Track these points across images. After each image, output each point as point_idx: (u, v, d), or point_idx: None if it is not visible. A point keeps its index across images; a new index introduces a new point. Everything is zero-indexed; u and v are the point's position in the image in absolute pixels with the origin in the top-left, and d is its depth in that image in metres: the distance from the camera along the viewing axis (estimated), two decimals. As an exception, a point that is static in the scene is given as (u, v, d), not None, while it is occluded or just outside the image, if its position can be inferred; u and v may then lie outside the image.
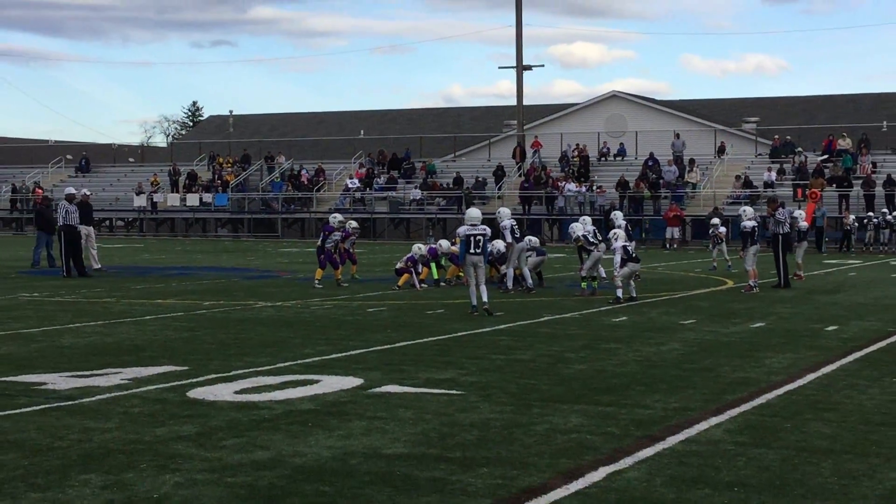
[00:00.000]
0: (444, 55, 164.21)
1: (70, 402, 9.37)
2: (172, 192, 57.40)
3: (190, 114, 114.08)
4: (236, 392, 9.89)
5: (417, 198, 51.40)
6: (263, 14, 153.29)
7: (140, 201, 56.80)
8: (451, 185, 53.16)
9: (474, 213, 17.22)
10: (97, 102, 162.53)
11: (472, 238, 16.54)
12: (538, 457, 7.45)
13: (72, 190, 27.11)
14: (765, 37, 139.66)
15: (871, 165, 47.86)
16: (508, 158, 55.49)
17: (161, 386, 10.21)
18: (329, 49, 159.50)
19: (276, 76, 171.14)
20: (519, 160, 54.38)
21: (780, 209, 22.84)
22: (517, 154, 54.72)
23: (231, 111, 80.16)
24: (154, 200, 56.71)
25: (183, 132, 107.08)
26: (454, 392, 9.93)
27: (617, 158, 54.66)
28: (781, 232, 22.07)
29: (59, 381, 10.43)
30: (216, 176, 58.05)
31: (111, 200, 58.81)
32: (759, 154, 53.80)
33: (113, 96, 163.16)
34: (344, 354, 12.39)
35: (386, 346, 13.11)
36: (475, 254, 16.54)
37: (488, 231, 17.00)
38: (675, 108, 64.75)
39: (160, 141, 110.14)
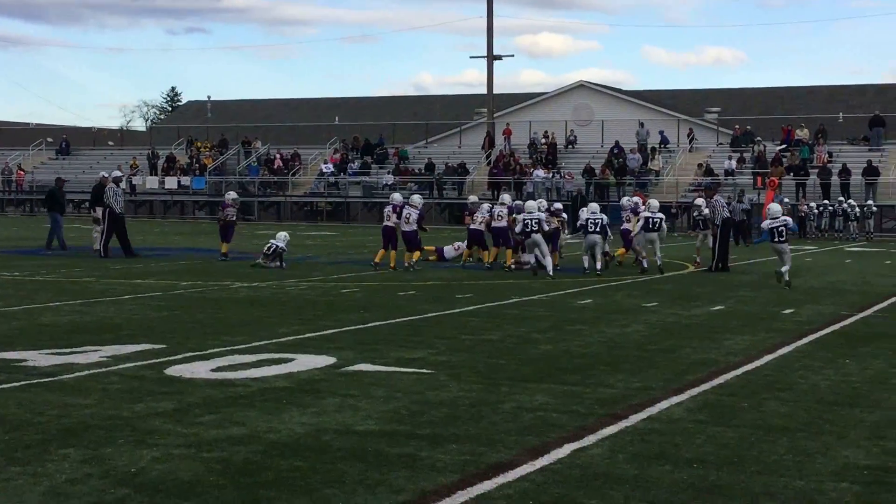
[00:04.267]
0: (413, 44, 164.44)
1: (50, 379, 9.49)
2: (151, 175, 57.40)
3: (169, 99, 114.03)
4: (212, 370, 10.05)
5: (390, 183, 51.53)
6: (235, 2, 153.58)
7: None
8: (422, 171, 53.45)
9: (532, 204, 21.45)
10: (77, 86, 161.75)
11: (528, 222, 20.51)
12: (505, 434, 7.62)
13: (118, 173, 27.02)
14: (723, 30, 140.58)
15: (827, 155, 48.50)
16: (478, 146, 55.93)
17: (139, 363, 10.34)
18: (300, 37, 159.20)
19: (250, 63, 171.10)
20: (488, 149, 54.70)
21: (717, 196, 23.31)
22: (486, 144, 55.11)
23: (209, 97, 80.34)
24: (133, 183, 56.54)
25: (162, 117, 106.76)
26: (424, 371, 10.13)
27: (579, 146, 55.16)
28: (718, 220, 22.27)
29: (38, 359, 10.53)
30: (194, 160, 57.99)
31: (91, 183, 58.60)
32: (721, 143, 54.32)
33: (93, 81, 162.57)
34: (318, 334, 12.56)
35: (359, 326, 13.29)
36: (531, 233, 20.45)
37: (541, 216, 20.72)
38: (640, 97, 65.19)
39: (139, 125, 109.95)
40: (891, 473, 6.73)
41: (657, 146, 52.00)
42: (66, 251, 26.34)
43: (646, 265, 21.92)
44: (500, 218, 22.32)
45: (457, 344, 11.94)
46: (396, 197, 23.27)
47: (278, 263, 22.04)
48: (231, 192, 26.24)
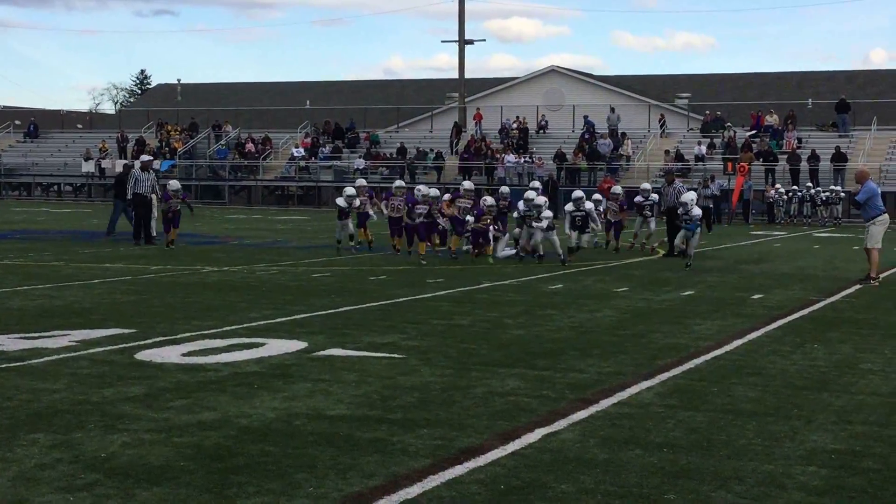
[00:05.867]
0: (384, 28, 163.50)
1: (19, 364, 9.44)
2: (120, 158, 56.96)
3: (138, 82, 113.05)
4: (183, 354, 10.02)
5: (361, 167, 51.41)
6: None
7: (88, 167, 56.54)
8: (394, 156, 53.33)
9: (578, 193, 22.01)
10: (46, 69, 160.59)
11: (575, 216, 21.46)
12: (476, 418, 7.64)
13: (147, 157, 26.57)
14: (693, 15, 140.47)
15: (796, 141, 48.80)
16: (449, 131, 55.90)
17: (109, 348, 10.30)
18: (270, 20, 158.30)
19: (220, 46, 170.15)
20: (456, 137, 54.58)
21: (677, 182, 23.60)
22: (453, 133, 54.94)
23: (179, 80, 79.81)
24: (102, 166, 56.22)
25: (131, 100, 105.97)
26: (396, 356, 10.14)
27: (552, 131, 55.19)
28: (676, 204, 22.36)
29: (7, 343, 10.48)
30: (164, 143, 57.62)
31: (59, 166, 58.44)
32: (691, 129, 54.57)
33: (62, 63, 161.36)
34: (289, 318, 12.55)
35: (330, 311, 13.28)
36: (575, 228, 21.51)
37: (589, 206, 21.69)
38: (611, 83, 65.32)
39: (108, 108, 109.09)
40: (857, 457, 6.79)
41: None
42: (109, 236, 26.00)
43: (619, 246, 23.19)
44: (461, 209, 21.97)
45: (428, 329, 11.96)
46: (398, 183, 23.12)
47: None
48: (173, 182, 24.96)
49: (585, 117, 52.90)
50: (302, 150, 54.74)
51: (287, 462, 6.50)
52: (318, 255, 21.96)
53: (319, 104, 67.90)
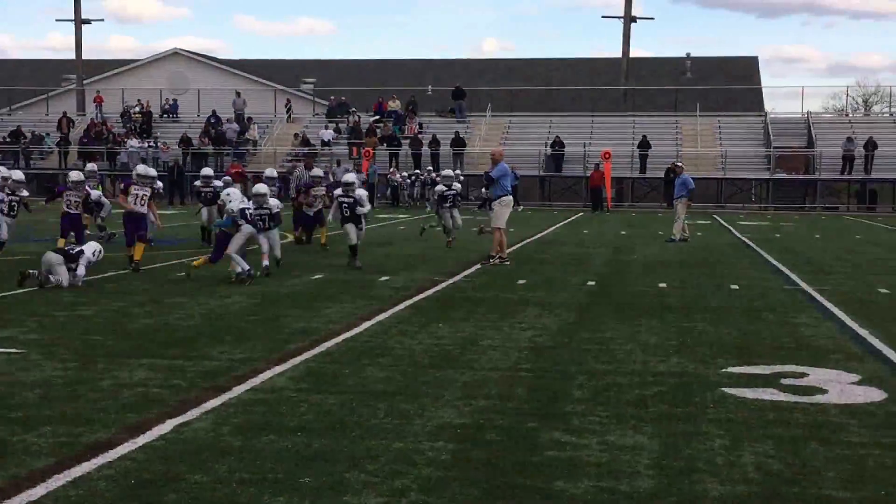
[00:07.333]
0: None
1: None
2: None
3: None
4: None
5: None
6: None
7: None
8: (7, 140, 50.41)
9: (350, 177, 18.49)
10: None
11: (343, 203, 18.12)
12: (104, 412, 7.40)
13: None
14: (315, 1, 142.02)
15: (418, 126, 50.56)
16: (70, 113, 53.51)
17: None
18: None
19: None
20: (66, 131, 51.64)
21: (298, 168, 23.65)
22: (62, 125, 51.97)
23: None
24: None
25: None
26: (14, 351, 9.64)
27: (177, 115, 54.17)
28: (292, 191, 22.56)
29: None
30: None
31: None
32: (317, 114, 55.25)
33: None
34: None
35: (-64, 307, 12.42)
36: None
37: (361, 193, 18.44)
38: (237, 66, 65.01)
39: None
40: (482, 430, 7.10)
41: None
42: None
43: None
44: (314, 198, 21.05)
45: (49, 321, 11.43)
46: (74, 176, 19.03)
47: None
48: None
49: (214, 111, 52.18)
50: None
51: None
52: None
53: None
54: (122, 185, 16.91)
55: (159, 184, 20.14)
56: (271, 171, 22.12)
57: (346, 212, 18.02)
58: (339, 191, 18.40)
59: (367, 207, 18.60)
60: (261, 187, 16.24)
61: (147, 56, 64.99)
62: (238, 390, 8.17)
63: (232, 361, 9.32)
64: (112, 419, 7.23)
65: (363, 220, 18.40)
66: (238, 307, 12.77)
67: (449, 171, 22.93)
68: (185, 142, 48.86)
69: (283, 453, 6.49)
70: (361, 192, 18.54)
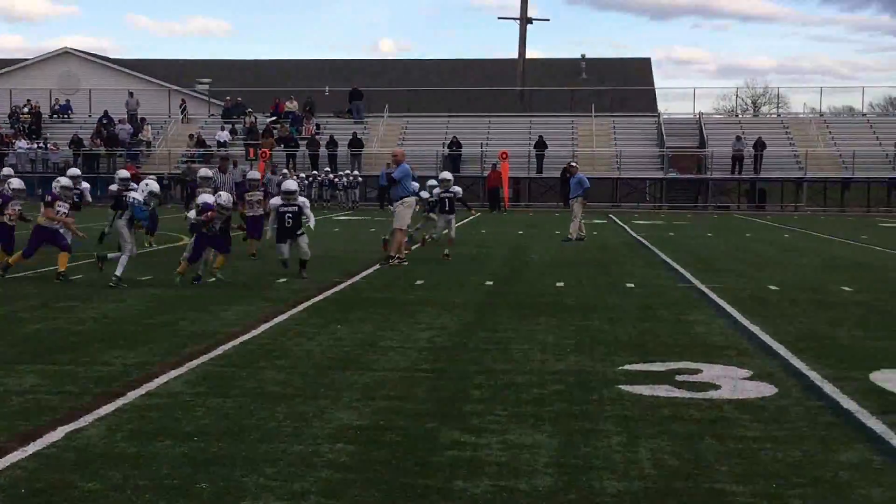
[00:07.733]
0: None
1: None
2: None
3: None
4: None
5: None
6: None
7: None
8: None
9: (292, 185, 16.92)
10: None
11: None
12: (-7, 420, 7.22)
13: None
14: (209, 1, 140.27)
15: (315, 127, 50.33)
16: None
17: None
18: None
19: None
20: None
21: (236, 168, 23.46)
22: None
23: None
24: None
25: None
26: None
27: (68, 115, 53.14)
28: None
29: None
30: None
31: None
32: (213, 114, 54.67)
33: None
34: None
35: None
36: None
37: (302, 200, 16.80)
38: (130, 66, 64.02)
39: None
40: (381, 431, 7.08)
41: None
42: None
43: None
44: (256, 205, 19.87)
45: (-65, 327, 11.11)
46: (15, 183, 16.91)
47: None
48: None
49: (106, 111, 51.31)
50: None
51: None
52: None
53: None
54: (48, 198, 15.60)
55: (86, 185, 20.13)
56: (291, 184, 17.63)
57: (289, 223, 16.35)
58: (277, 200, 16.69)
59: (312, 219, 16.97)
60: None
61: (36, 55, 63.68)
62: (132, 395, 8.02)
63: (126, 366, 9.16)
64: (1, 427, 7.05)
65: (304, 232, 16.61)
66: (133, 311, 12.55)
67: (447, 174, 21.27)
68: (75, 143, 47.93)
69: (179, 459, 6.39)
70: (304, 200, 16.92)
